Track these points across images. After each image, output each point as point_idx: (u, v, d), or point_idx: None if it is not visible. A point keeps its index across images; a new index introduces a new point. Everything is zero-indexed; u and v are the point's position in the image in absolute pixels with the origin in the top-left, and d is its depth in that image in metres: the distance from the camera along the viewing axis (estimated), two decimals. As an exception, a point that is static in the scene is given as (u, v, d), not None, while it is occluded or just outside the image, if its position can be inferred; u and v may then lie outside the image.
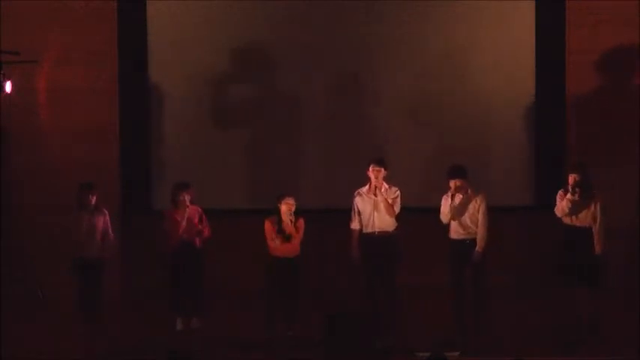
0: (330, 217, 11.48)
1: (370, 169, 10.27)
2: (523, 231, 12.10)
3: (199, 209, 10.59)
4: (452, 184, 10.15)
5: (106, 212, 10.46)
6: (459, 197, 10.13)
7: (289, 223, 10.21)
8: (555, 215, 10.28)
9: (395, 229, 10.37)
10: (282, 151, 12.26)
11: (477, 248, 10.16)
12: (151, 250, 11.49)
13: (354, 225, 10.42)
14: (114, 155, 12.10)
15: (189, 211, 10.50)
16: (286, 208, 10.20)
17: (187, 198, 10.46)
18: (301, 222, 10.31)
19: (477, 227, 10.18)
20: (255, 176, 12.21)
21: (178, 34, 12.20)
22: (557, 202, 10.20)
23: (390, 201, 10.26)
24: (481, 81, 12.19)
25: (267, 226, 10.27)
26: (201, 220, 10.54)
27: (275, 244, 10.22)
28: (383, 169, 10.26)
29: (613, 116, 12.07)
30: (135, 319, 10.94)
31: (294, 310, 10.32)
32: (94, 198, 10.35)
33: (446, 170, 10.24)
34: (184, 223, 10.44)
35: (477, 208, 10.18)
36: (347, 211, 10.48)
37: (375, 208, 10.30)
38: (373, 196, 10.27)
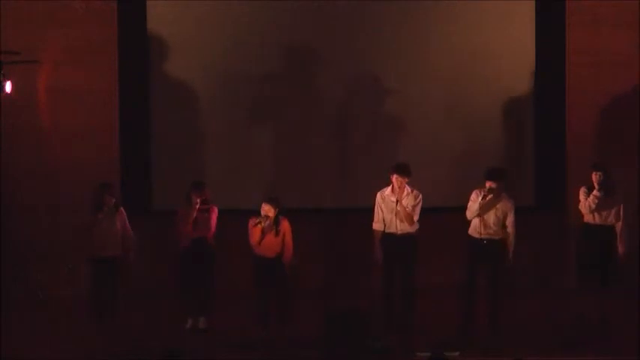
0: (334, 217, 11.50)
1: (394, 177, 10.29)
2: (523, 231, 12.07)
3: (215, 209, 10.63)
4: (488, 184, 10.15)
5: (123, 211, 10.48)
6: (493, 198, 10.14)
7: (263, 226, 10.23)
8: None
9: (416, 231, 10.40)
10: (282, 151, 12.26)
11: (510, 253, 10.23)
12: (151, 250, 11.49)
13: (377, 226, 10.45)
14: (114, 155, 12.10)
15: (204, 211, 10.52)
16: (262, 212, 10.24)
17: (197, 198, 10.47)
18: (284, 224, 10.31)
19: (497, 228, 10.21)
20: (255, 176, 12.20)
21: (178, 34, 12.20)
22: (582, 200, 10.30)
23: (409, 209, 10.27)
24: (481, 81, 12.18)
25: (250, 223, 10.33)
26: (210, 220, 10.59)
27: (255, 241, 10.28)
28: (406, 178, 10.28)
29: (613, 116, 12.07)
30: (135, 318, 10.94)
31: (284, 310, 10.33)
32: (112, 199, 10.37)
33: (484, 171, 10.25)
34: (191, 222, 10.46)
35: (506, 212, 10.20)
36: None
37: (395, 214, 10.31)
38: (395, 200, 10.28)
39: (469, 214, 10.26)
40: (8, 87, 11.00)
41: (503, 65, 12.17)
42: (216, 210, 10.65)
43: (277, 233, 10.27)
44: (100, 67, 12.01)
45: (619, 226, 10.25)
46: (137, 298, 11.41)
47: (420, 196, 10.36)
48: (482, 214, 10.16)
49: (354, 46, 12.17)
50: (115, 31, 12.04)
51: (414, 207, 10.31)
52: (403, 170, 10.32)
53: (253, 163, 12.23)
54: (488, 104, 12.20)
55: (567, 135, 12.15)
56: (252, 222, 10.32)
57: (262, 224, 10.18)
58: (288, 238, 10.33)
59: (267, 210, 10.22)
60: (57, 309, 11.42)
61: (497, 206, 10.19)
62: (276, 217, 10.26)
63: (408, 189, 10.34)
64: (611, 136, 12.07)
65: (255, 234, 10.27)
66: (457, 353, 9.58)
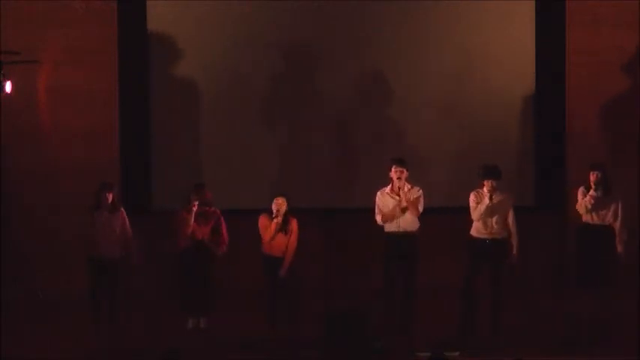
0: (334, 217, 11.50)
1: (392, 169, 10.26)
2: (523, 231, 12.06)
3: (217, 212, 10.60)
4: (489, 183, 10.10)
5: (123, 211, 10.46)
6: (496, 197, 10.11)
7: (278, 220, 10.30)
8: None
9: (417, 229, 10.37)
10: (282, 151, 12.26)
11: (514, 251, 10.21)
12: (151, 250, 11.49)
13: (378, 218, 10.37)
14: (114, 155, 12.10)
15: (206, 212, 10.50)
16: (274, 207, 10.30)
17: (195, 199, 10.45)
18: (293, 223, 10.37)
19: (499, 228, 10.17)
20: (255, 176, 12.20)
21: (178, 34, 12.21)
22: (579, 199, 10.29)
23: (413, 198, 10.25)
24: (481, 81, 12.19)
25: (261, 220, 10.37)
26: (218, 227, 10.56)
27: (267, 238, 10.31)
28: (405, 170, 10.26)
29: (613, 116, 12.07)
30: (135, 319, 10.94)
31: (289, 309, 10.34)
32: (112, 197, 10.34)
33: (481, 169, 10.18)
34: (192, 222, 10.43)
35: (507, 210, 10.18)
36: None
37: (398, 204, 10.27)
38: (396, 197, 10.26)
39: (476, 215, 10.19)
40: (8, 87, 11.01)
41: (503, 65, 12.18)
42: (218, 213, 10.60)
43: (286, 232, 10.33)
44: (100, 67, 12.01)
45: (617, 225, 10.24)
46: (137, 298, 11.40)
47: (421, 191, 10.32)
48: (490, 215, 10.12)
49: (354, 46, 12.18)
50: (115, 31, 12.04)
51: (416, 199, 10.27)
52: (400, 161, 10.29)
53: (253, 163, 12.23)
54: (488, 104, 12.20)
55: (567, 135, 12.15)
56: (263, 219, 10.32)
57: (277, 219, 10.21)
58: (293, 238, 10.37)
59: (281, 203, 10.28)
60: (57, 309, 11.41)
61: (501, 205, 10.18)
62: (286, 216, 10.29)
63: (408, 185, 10.33)
64: (611, 136, 12.07)
65: (269, 230, 10.29)
66: (457, 353, 9.58)
